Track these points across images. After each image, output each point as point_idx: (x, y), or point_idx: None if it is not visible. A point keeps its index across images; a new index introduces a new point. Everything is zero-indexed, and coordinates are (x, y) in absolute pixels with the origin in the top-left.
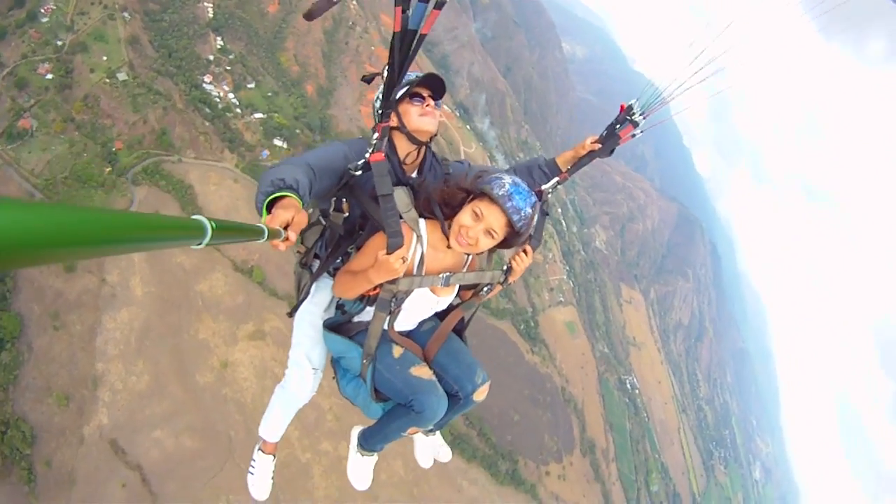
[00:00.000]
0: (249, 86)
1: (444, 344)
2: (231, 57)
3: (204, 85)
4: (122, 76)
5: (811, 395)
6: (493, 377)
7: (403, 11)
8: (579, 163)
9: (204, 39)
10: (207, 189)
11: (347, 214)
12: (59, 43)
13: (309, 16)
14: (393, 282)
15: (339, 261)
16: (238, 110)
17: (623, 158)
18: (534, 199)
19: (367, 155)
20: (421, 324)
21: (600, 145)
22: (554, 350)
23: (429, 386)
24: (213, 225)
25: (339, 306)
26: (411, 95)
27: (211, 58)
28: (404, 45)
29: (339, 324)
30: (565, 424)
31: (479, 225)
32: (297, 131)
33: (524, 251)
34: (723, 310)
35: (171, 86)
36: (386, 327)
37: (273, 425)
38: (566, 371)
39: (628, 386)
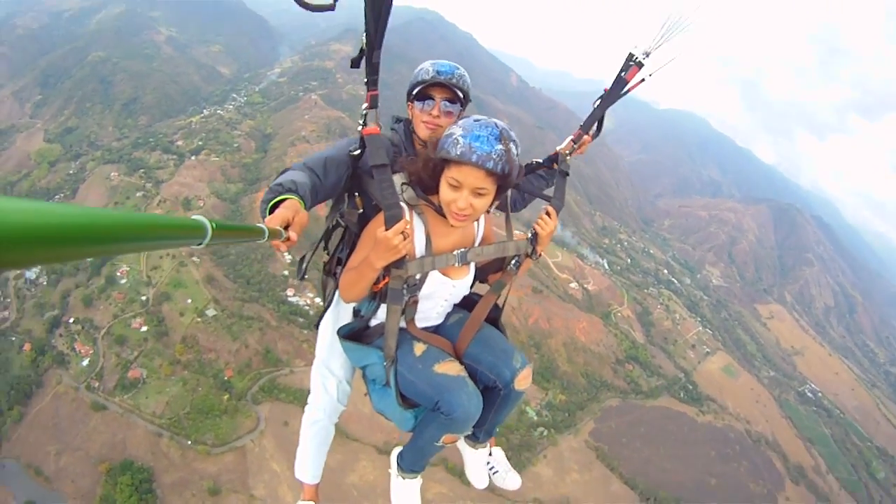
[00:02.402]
0: None
1: (476, 333)
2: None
3: (289, 299)
4: (211, 312)
5: None
6: (671, 453)
7: None
8: (592, 115)
9: (273, 258)
10: None
11: (362, 210)
12: (144, 298)
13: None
14: (400, 266)
15: None
16: None
17: (696, 193)
18: (494, 129)
19: (360, 129)
20: (447, 317)
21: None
22: (723, 400)
23: (456, 382)
24: (214, 225)
25: (356, 312)
26: (421, 97)
27: (286, 273)
28: (376, 5)
29: (355, 330)
30: (765, 464)
31: (461, 193)
32: None
33: (547, 212)
34: (859, 270)
35: (259, 308)
36: (404, 324)
37: (304, 461)
38: (743, 413)
39: (809, 394)
